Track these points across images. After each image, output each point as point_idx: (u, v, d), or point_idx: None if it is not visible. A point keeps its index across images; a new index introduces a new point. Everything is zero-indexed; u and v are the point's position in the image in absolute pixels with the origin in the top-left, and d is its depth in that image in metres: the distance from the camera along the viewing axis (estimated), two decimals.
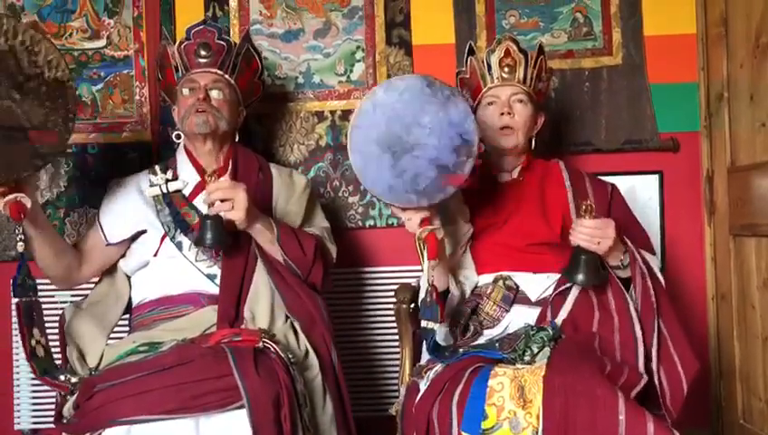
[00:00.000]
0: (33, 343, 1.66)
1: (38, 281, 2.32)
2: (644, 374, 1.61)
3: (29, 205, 1.67)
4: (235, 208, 1.79)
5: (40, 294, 1.76)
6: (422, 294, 1.82)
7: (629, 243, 1.77)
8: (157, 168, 1.99)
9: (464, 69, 2.10)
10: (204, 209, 1.88)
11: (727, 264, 2.35)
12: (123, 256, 1.97)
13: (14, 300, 1.68)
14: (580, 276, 1.74)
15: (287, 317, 1.87)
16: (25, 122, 1.64)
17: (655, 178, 2.48)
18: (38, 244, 1.77)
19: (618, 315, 1.73)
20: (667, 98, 2.46)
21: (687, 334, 1.71)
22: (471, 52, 2.08)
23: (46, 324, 1.74)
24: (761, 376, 2.20)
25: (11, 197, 1.65)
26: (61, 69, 1.69)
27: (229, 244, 1.83)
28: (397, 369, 2.06)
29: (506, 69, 1.99)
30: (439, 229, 1.71)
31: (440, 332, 1.78)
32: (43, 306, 1.76)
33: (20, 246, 1.68)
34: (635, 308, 1.73)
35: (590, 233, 1.71)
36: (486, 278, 1.91)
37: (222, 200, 1.79)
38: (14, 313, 2.39)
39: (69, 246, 1.94)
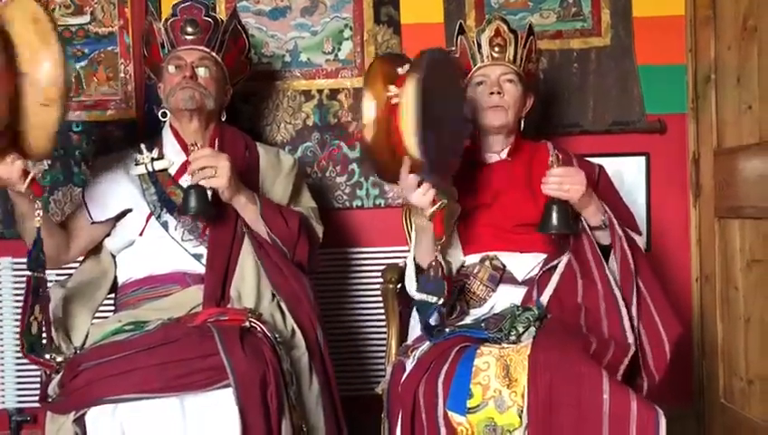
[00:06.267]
0: (32, 318, 1.66)
1: (20, 260, 2.33)
2: (631, 345, 1.63)
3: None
4: (218, 175, 1.78)
5: (24, 273, 1.75)
6: (410, 269, 1.83)
7: (607, 209, 1.79)
8: (142, 146, 1.97)
9: (453, 48, 2.09)
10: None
11: (712, 245, 2.37)
12: (108, 234, 1.95)
13: (27, 273, 1.68)
14: (553, 222, 1.76)
15: (273, 297, 1.87)
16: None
17: (641, 160, 2.48)
18: (30, 220, 1.75)
19: (601, 282, 1.75)
20: (654, 79, 2.47)
21: (669, 298, 1.73)
22: (461, 31, 2.07)
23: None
24: (742, 356, 2.23)
25: (34, 172, 1.65)
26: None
27: (213, 214, 1.82)
28: (383, 348, 2.07)
29: (496, 48, 1.98)
30: (448, 205, 1.72)
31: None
32: None
33: (37, 221, 1.68)
34: (612, 272, 1.75)
35: (560, 180, 1.74)
36: (473, 258, 1.91)
37: (205, 168, 1.78)
38: (0, 291, 2.39)
39: (57, 225, 1.92)
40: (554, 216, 1.76)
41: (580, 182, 1.75)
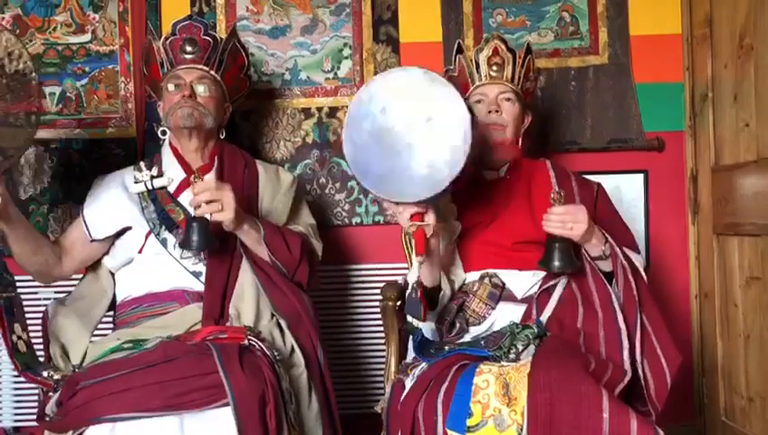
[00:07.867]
0: (15, 338, 1.65)
1: (20, 278, 2.31)
2: (628, 371, 1.62)
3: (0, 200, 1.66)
4: (225, 209, 1.76)
5: (23, 290, 1.75)
6: (409, 290, 1.82)
7: (609, 237, 1.79)
8: (142, 164, 1.97)
9: (452, 67, 2.10)
10: (189, 207, 1.86)
11: (710, 262, 2.37)
12: (107, 252, 1.95)
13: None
14: (555, 262, 1.75)
15: (273, 314, 1.86)
16: None
17: (640, 178, 2.49)
18: (12, 239, 1.75)
19: (602, 311, 1.74)
20: (652, 97, 2.48)
21: (670, 328, 1.72)
22: (459, 50, 2.09)
23: (30, 321, 1.73)
24: (743, 374, 2.22)
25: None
26: (22, 61, 1.66)
27: (216, 246, 1.81)
28: (382, 366, 2.06)
29: (494, 67, 1.99)
30: (429, 226, 1.68)
31: (426, 328, 1.78)
32: (27, 303, 1.74)
33: None
34: (618, 301, 1.74)
35: (561, 219, 1.73)
36: (473, 276, 1.91)
37: (209, 202, 1.76)
38: None
39: (47, 240, 1.92)
40: (557, 255, 1.75)
41: (582, 220, 1.73)
